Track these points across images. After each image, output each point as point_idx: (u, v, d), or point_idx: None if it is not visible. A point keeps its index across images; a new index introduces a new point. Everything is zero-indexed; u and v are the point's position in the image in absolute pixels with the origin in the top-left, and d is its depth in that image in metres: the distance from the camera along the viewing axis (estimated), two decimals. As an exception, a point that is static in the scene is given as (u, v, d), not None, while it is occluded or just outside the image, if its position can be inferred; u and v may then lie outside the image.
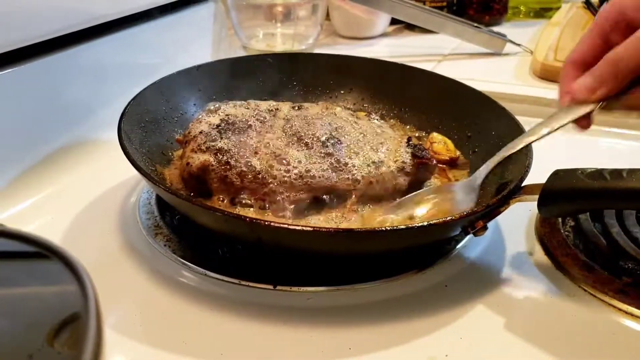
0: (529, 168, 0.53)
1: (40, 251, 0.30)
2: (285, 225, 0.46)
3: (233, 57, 0.79)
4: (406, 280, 0.52)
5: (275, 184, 0.54)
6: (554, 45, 1.04)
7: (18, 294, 0.30)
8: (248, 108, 0.64)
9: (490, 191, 0.56)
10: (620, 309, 0.48)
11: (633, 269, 0.51)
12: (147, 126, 0.63)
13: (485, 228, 0.50)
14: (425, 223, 0.46)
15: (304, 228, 0.46)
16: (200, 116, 0.62)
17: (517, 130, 0.61)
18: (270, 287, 0.50)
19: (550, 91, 0.92)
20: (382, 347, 0.45)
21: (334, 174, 0.55)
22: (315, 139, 0.58)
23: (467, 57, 1.13)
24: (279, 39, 1.17)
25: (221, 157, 0.56)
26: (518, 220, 0.61)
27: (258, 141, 0.58)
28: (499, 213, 0.50)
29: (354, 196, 0.56)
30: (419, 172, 0.59)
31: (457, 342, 0.45)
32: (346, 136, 0.60)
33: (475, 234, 0.51)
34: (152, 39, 0.88)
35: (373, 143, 0.60)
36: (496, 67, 1.08)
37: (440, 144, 0.68)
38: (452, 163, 0.67)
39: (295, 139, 0.59)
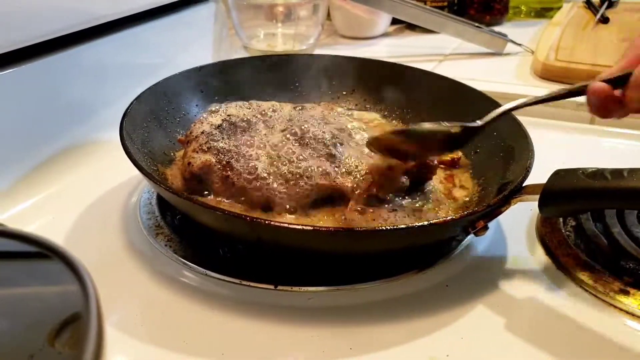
0: (530, 168, 0.53)
1: (41, 251, 0.30)
2: (285, 225, 0.46)
3: (235, 58, 0.79)
4: (407, 280, 0.52)
5: (276, 184, 0.54)
6: (555, 45, 1.04)
7: (19, 294, 0.30)
8: (250, 108, 0.64)
9: (492, 191, 0.56)
10: (621, 309, 0.48)
11: (634, 268, 0.51)
12: (149, 126, 0.63)
13: (486, 228, 0.50)
14: (426, 223, 0.46)
15: (304, 227, 0.46)
16: (202, 117, 0.62)
17: (518, 130, 0.60)
18: (271, 287, 0.50)
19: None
20: (383, 347, 0.45)
21: (335, 174, 0.55)
22: (316, 139, 0.58)
23: (468, 57, 1.13)
24: (279, 39, 1.17)
25: (222, 157, 0.56)
26: (519, 220, 0.60)
27: (259, 142, 0.58)
28: (500, 213, 0.50)
29: (354, 196, 0.55)
30: (420, 172, 0.59)
31: (458, 342, 0.45)
32: (348, 137, 0.60)
33: (476, 234, 0.51)
34: (152, 39, 0.88)
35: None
36: (497, 67, 1.07)
37: None
38: (453, 164, 0.67)
39: (297, 139, 0.59)
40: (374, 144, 0.57)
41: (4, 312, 0.28)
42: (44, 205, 0.63)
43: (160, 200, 0.61)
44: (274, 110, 0.64)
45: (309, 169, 0.55)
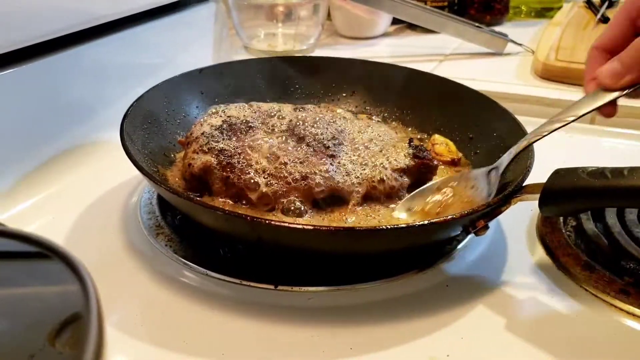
0: (530, 168, 0.53)
1: (41, 251, 0.30)
2: (286, 224, 0.46)
3: (235, 60, 0.79)
4: (407, 280, 0.52)
5: (277, 185, 0.54)
6: (556, 45, 1.04)
7: (19, 294, 0.30)
8: (250, 110, 0.64)
9: None
10: (621, 309, 0.48)
11: (634, 269, 0.51)
12: (150, 128, 0.63)
13: (486, 227, 0.50)
14: (426, 221, 0.46)
15: (304, 227, 0.46)
16: (202, 118, 0.62)
17: (518, 130, 0.61)
18: (272, 287, 0.50)
19: (552, 91, 0.92)
20: (383, 347, 0.45)
21: (335, 175, 0.55)
22: (316, 140, 0.58)
23: (469, 57, 1.13)
24: (280, 39, 1.17)
25: (222, 158, 0.56)
26: (519, 220, 0.60)
27: (260, 142, 0.58)
28: (500, 212, 0.50)
29: (355, 197, 0.56)
30: (421, 172, 0.59)
31: (458, 342, 0.45)
32: (347, 138, 0.60)
33: (476, 234, 0.51)
34: (153, 39, 0.88)
35: (374, 144, 0.60)
36: (497, 67, 1.07)
37: (442, 146, 0.68)
38: (454, 164, 0.67)
39: (297, 140, 0.59)
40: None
41: (4, 312, 0.28)
42: (44, 205, 0.63)
43: (161, 200, 0.61)
44: (274, 112, 0.64)
45: (309, 170, 0.55)
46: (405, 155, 0.59)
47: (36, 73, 0.67)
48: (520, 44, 1.12)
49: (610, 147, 0.79)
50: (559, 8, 1.37)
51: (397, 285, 0.51)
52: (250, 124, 0.61)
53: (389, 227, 0.47)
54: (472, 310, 0.49)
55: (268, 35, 1.18)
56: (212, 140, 0.57)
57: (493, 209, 0.49)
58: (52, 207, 0.63)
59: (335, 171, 0.56)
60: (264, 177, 0.55)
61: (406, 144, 0.61)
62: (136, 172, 0.52)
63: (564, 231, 0.57)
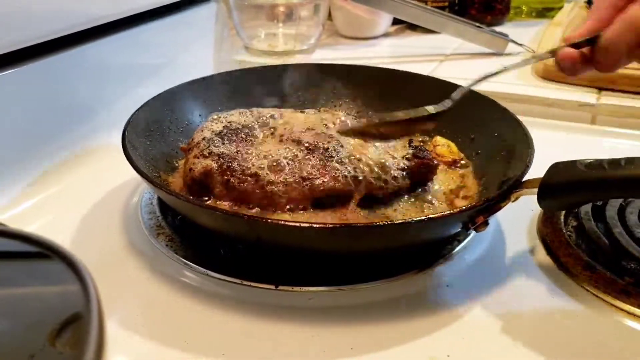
0: (530, 163, 0.52)
1: (42, 251, 0.30)
2: (283, 222, 0.46)
3: (238, 70, 0.80)
4: (408, 280, 0.52)
5: (277, 187, 0.54)
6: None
7: (20, 294, 0.30)
8: (251, 115, 0.64)
9: (493, 186, 0.56)
10: (622, 309, 0.48)
11: (635, 269, 0.51)
12: (152, 135, 0.63)
13: (486, 223, 0.50)
14: (424, 217, 0.46)
15: (302, 225, 0.46)
16: (204, 125, 0.63)
17: (519, 130, 0.60)
18: (272, 287, 0.50)
19: (553, 91, 0.92)
20: (384, 347, 0.45)
21: (335, 176, 0.55)
22: (316, 142, 0.58)
23: (469, 57, 1.13)
24: (280, 39, 1.17)
25: (223, 161, 0.56)
26: (520, 220, 0.60)
27: (260, 146, 0.59)
28: (500, 208, 0.50)
29: (355, 197, 0.55)
30: (421, 172, 0.59)
31: (459, 342, 0.45)
32: (347, 139, 0.60)
33: (476, 230, 0.51)
34: (154, 39, 0.88)
35: (374, 145, 0.60)
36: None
37: (444, 147, 0.68)
38: (455, 165, 0.67)
39: (297, 143, 0.59)
40: (347, 133, 0.58)
41: (5, 312, 0.28)
42: (44, 205, 0.63)
43: (161, 200, 0.62)
44: (274, 116, 0.64)
45: (310, 171, 0.55)
46: (405, 156, 0.59)
47: (37, 73, 0.67)
48: (521, 44, 1.12)
49: (610, 147, 0.79)
50: (560, 8, 1.37)
51: (397, 285, 0.51)
52: (250, 129, 0.61)
53: (386, 223, 0.47)
54: (472, 310, 0.49)
55: (269, 36, 1.18)
56: (213, 145, 0.58)
57: (492, 205, 0.49)
58: (53, 207, 0.63)
59: (336, 172, 0.55)
60: (264, 180, 0.55)
61: (406, 145, 0.61)
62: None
63: (564, 231, 0.57)
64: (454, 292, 0.51)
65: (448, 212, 0.47)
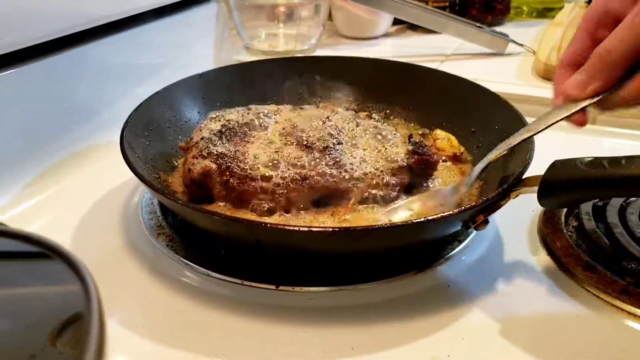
0: (530, 160, 0.52)
1: (42, 251, 0.30)
2: (283, 226, 0.46)
3: (236, 64, 0.80)
4: (409, 280, 0.52)
5: (277, 186, 0.54)
6: (557, 45, 1.04)
7: (20, 294, 0.30)
8: (249, 113, 0.64)
9: (493, 185, 0.56)
10: (623, 310, 0.48)
11: (636, 269, 0.51)
12: (151, 135, 0.63)
13: (486, 222, 0.50)
14: (423, 219, 0.46)
15: (301, 229, 0.46)
16: (202, 124, 0.63)
17: (520, 124, 0.60)
18: (273, 287, 0.50)
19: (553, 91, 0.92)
20: (385, 347, 0.45)
21: (335, 174, 0.55)
22: (315, 140, 0.58)
23: (470, 57, 1.13)
24: (281, 40, 1.17)
25: (222, 162, 0.56)
26: (521, 221, 0.60)
27: (259, 145, 0.59)
28: (500, 206, 0.50)
29: (355, 195, 0.55)
30: (420, 169, 0.59)
31: (460, 342, 0.45)
32: (347, 136, 0.60)
33: (476, 229, 0.51)
34: (154, 39, 0.88)
35: (374, 142, 0.60)
36: (499, 67, 1.07)
37: (444, 141, 0.68)
38: (456, 159, 0.66)
39: (296, 141, 0.59)
40: None
41: (6, 312, 0.28)
42: (45, 205, 0.63)
43: (162, 200, 0.62)
44: (273, 113, 0.64)
45: (309, 171, 0.55)
46: (405, 152, 0.59)
47: (37, 73, 0.67)
48: (521, 44, 1.12)
49: (610, 147, 0.79)
50: (561, 8, 1.37)
51: (398, 285, 0.51)
52: (249, 127, 0.61)
53: (385, 225, 0.47)
54: (473, 310, 0.49)
55: (269, 36, 1.18)
56: (212, 145, 0.57)
57: (492, 203, 0.49)
58: (54, 207, 0.63)
59: (335, 170, 0.55)
60: (263, 180, 0.55)
61: (406, 141, 0.61)
62: (137, 172, 0.52)
63: (565, 232, 0.57)
64: (454, 292, 0.51)
65: (448, 212, 0.46)
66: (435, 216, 0.46)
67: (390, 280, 0.51)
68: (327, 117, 0.63)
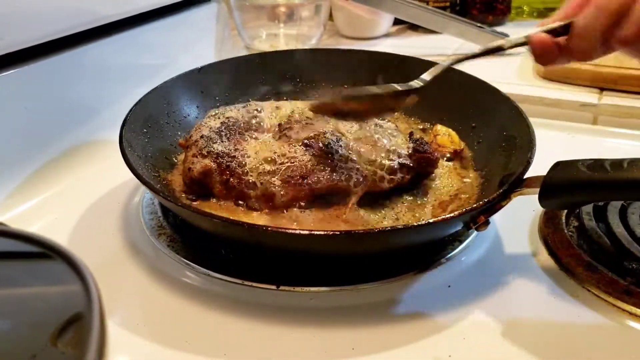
0: (531, 160, 0.52)
1: (43, 251, 0.30)
2: (283, 230, 0.46)
3: (234, 57, 0.79)
4: (409, 280, 0.52)
5: (277, 185, 0.54)
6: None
7: (21, 294, 0.30)
8: (249, 110, 0.64)
9: (495, 182, 0.56)
10: (624, 310, 0.48)
11: (637, 269, 0.51)
12: (150, 132, 0.63)
13: (487, 223, 0.50)
14: (423, 222, 0.46)
15: (301, 232, 0.46)
16: (201, 121, 0.63)
17: (520, 118, 0.60)
18: (273, 287, 0.50)
19: (554, 91, 0.92)
20: (385, 348, 0.45)
21: (335, 173, 0.55)
22: (315, 138, 0.58)
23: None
24: (282, 40, 1.17)
25: (222, 160, 0.56)
26: (521, 221, 0.60)
27: (258, 143, 0.59)
28: (501, 207, 0.50)
29: (356, 193, 0.55)
30: (421, 167, 0.59)
31: (461, 343, 0.45)
32: (347, 134, 0.60)
33: (477, 229, 0.51)
34: (155, 39, 0.88)
35: (374, 139, 0.60)
36: (499, 67, 1.07)
37: (445, 137, 0.67)
38: (456, 155, 0.66)
39: (296, 139, 0.59)
40: (318, 109, 0.59)
41: (7, 312, 0.28)
42: (46, 206, 0.63)
43: (163, 200, 0.61)
44: (272, 110, 0.64)
45: (309, 169, 0.55)
46: (405, 150, 0.59)
47: (38, 74, 0.67)
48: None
49: (612, 148, 0.79)
50: (561, 8, 1.37)
51: (399, 285, 0.51)
52: (249, 125, 0.61)
53: (386, 228, 0.47)
54: (474, 310, 0.49)
55: (270, 36, 1.18)
56: (211, 143, 0.57)
57: (493, 204, 0.49)
58: (54, 208, 0.63)
59: (335, 169, 0.55)
60: (263, 179, 0.55)
61: (407, 138, 0.61)
62: (138, 172, 0.52)
63: (566, 232, 0.57)
64: (455, 293, 0.51)
65: (449, 215, 0.46)
66: (435, 219, 0.46)
67: (391, 281, 0.51)
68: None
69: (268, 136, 0.60)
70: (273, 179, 0.55)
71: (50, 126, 0.69)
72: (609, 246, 0.53)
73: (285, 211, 0.55)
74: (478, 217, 0.49)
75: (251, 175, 0.55)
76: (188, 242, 0.56)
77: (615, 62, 0.92)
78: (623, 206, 0.58)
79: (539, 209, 0.53)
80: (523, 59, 1.09)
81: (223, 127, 0.60)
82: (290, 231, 0.46)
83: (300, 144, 0.58)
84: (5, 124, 0.63)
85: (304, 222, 0.54)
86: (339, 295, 0.50)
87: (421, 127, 0.73)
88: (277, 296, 0.50)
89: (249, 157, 0.57)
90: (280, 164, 0.56)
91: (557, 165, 0.48)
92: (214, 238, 0.54)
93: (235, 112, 0.63)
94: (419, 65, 0.76)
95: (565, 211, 0.59)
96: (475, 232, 0.56)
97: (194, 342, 0.45)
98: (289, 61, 0.79)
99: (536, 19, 1.41)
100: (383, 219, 0.56)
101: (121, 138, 0.56)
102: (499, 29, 1.19)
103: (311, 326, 0.47)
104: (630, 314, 0.48)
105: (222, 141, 0.58)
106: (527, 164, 0.51)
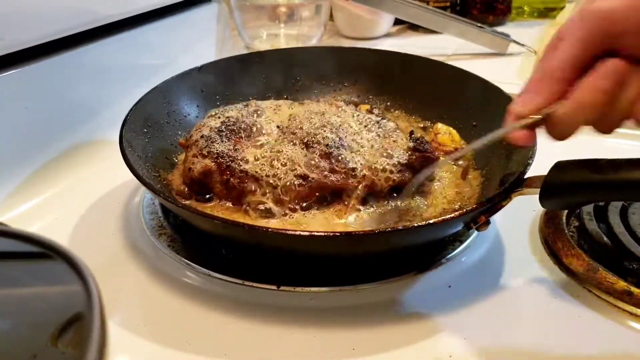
0: (531, 161, 0.52)
1: (44, 251, 0.30)
2: (283, 231, 0.46)
3: (235, 56, 0.79)
4: (410, 280, 0.52)
5: (278, 185, 0.54)
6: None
7: (22, 294, 0.30)
8: (249, 110, 0.64)
9: (496, 181, 0.56)
10: (624, 310, 0.48)
11: (638, 269, 0.51)
12: (150, 131, 0.63)
13: (487, 223, 0.50)
14: (423, 223, 0.46)
15: (301, 233, 0.46)
16: (202, 121, 0.62)
17: None
18: (274, 287, 0.50)
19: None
20: (386, 348, 0.45)
21: (336, 172, 0.55)
22: (316, 138, 0.58)
23: (471, 57, 1.13)
24: (282, 40, 1.18)
25: (222, 161, 0.56)
26: (522, 221, 0.60)
27: (259, 143, 0.58)
28: (502, 207, 0.50)
29: (357, 193, 0.55)
30: (422, 166, 0.59)
31: (461, 343, 0.45)
32: (348, 134, 0.60)
33: (478, 229, 0.51)
34: (155, 39, 0.88)
35: (375, 139, 0.60)
36: (500, 67, 1.07)
37: (445, 135, 0.67)
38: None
39: (297, 139, 0.59)
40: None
41: (7, 312, 0.28)
42: (46, 206, 0.63)
43: (163, 200, 0.61)
44: (273, 110, 0.64)
45: (309, 169, 0.55)
46: (406, 149, 0.59)
47: (38, 74, 0.67)
48: (522, 45, 1.12)
49: (612, 148, 0.79)
50: (562, 8, 1.37)
51: (399, 285, 0.51)
52: (249, 125, 0.61)
53: (388, 229, 0.47)
54: (474, 310, 0.49)
55: (270, 36, 1.18)
56: (212, 143, 0.57)
57: (493, 205, 0.49)
58: (55, 208, 0.63)
59: (336, 169, 0.55)
60: (264, 179, 0.55)
61: (407, 137, 0.61)
62: (138, 172, 0.52)
63: (566, 232, 0.57)
64: (455, 293, 0.51)
65: (450, 215, 0.46)
66: (436, 219, 0.46)
67: (392, 281, 0.51)
68: (327, 113, 0.62)
69: (269, 136, 0.60)
70: (274, 179, 0.55)
71: (50, 126, 0.69)
72: (609, 246, 0.53)
73: (285, 211, 0.55)
74: (479, 217, 0.49)
75: (251, 176, 0.55)
76: (188, 242, 0.56)
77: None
78: (624, 206, 0.58)
79: (539, 209, 0.53)
80: (523, 59, 1.10)
81: (223, 127, 0.60)
82: (290, 232, 0.46)
83: (301, 144, 0.58)
84: (5, 124, 0.63)
85: (305, 222, 0.54)
86: (340, 295, 0.50)
87: (422, 125, 0.73)
88: (278, 296, 0.50)
89: (249, 157, 0.57)
90: (281, 164, 0.56)
91: (558, 166, 0.48)
92: (214, 238, 0.54)
93: (235, 111, 0.63)
94: (422, 64, 0.77)
95: (566, 211, 0.59)
96: (475, 232, 0.56)
97: (195, 342, 0.45)
98: (290, 60, 0.79)
99: (536, 19, 1.41)
100: (383, 218, 0.55)
101: (121, 138, 0.56)
102: (499, 29, 1.19)
103: (312, 326, 0.47)
104: (631, 314, 0.48)
105: (223, 141, 0.58)
106: (528, 163, 0.51)
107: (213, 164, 0.56)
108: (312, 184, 0.54)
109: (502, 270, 0.54)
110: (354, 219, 0.55)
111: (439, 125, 0.69)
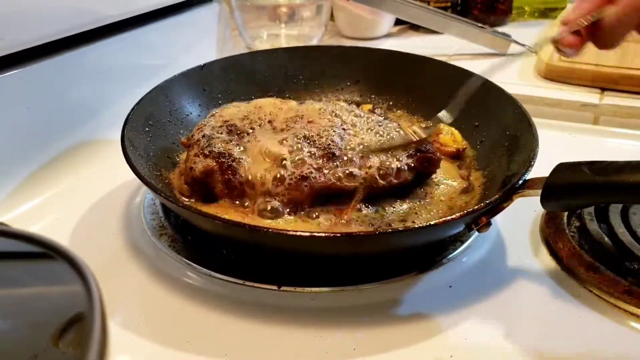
0: (533, 160, 0.52)
1: (45, 251, 0.30)
2: (284, 232, 0.46)
3: (237, 55, 0.79)
4: (411, 280, 0.52)
5: (279, 185, 0.54)
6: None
7: (23, 294, 0.30)
8: (251, 109, 0.64)
9: (497, 182, 0.56)
10: (625, 310, 0.48)
11: (639, 269, 0.51)
12: (152, 130, 0.63)
13: (489, 224, 0.50)
14: (424, 224, 0.46)
15: (302, 234, 0.46)
16: (203, 120, 0.62)
17: (523, 118, 0.60)
18: (275, 287, 0.50)
19: (555, 91, 0.92)
20: (387, 348, 0.45)
21: (337, 173, 0.55)
22: (318, 137, 0.58)
23: (472, 57, 1.13)
24: (283, 40, 1.17)
25: (223, 161, 0.56)
26: (523, 221, 0.60)
27: (261, 143, 0.58)
28: (503, 208, 0.50)
29: (358, 194, 0.55)
30: (423, 167, 0.59)
31: (462, 343, 0.45)
32: (349, 134, 0.60)
33: (479, 230, 0.51)
34: (156, 40, 0.88)
35: (376, 139, 0.60)
36: (501, 67, 1.07)
37: (447, 135, 0.67)
38: (458, 154, 0.66)
39: (298, 138, 0.58)
40: None
41: (8, 312, 0.28)
42: (47, 206, 0.63)
43: (164, 200, 0.61)
44: (275, 109, 0.64)
45: (311, 169, 0.55)
46: (407, 150, 0.59)
47: (40, 74, 0.67)
48: (523, 45, 1.12)
49: (613, 148, 0.79)
50: (563, 8, 1.37)
51: (400, 285, 0.51)
52: (251, 124, 0.61)
53: (389, 230, 0.47)
54: (475, 311, 0.49)
55: (271, 36, 1.18)
56: (213, 143, 0.57)
57: (495, 206, 0.49)
58: (56, 208, 0.63)
59: (337, 169, 0.55)
60: (265, 179, 0.55)
61: (409, 137, 0.61)
62: (139, 172, 0.52)
63: (567, 232, 0.57)
64: (456, 293, 0.51)
65: (450, 217, 0.46)
66: (437, 221, 0.46)
67: (393, 281, 0.51)
68: (329, 113, 0.62)
69: (270, 135, 0.60)
70: (276, 179, 0.54)
71: (51, 126, 0.69)
72: (610, 247, 0.53)
73: (286, 211, 0.55)
74: (480, 218, 0.49)
75: (253, 176, 0.55)
76: (189, 242, 0.56)
77: (616, 62, 0.92)
78: (625, 207, 0.58)
79: (540, 210, 0.53)
80: (524, 59, 1.09)
81: (225, 127, 0.60)
82: (291, 233, 0.46)
83: (302, 144, 0.58)
84: (6, 124, 0.63)
85: (305, 222, 0.54)
86: (340, 295, 0.50)
87: (424, 125, 0.73)
88: (279, 296, 0.50)
89: (250, 157, 0.56)
90: (282, 163, 0.56)
91: (560, 167, 0.48)
92: (215, 238, 0.54)
93: (237, 110, 0.63)
94: (423, 63, 0.77)
95: (567, 211, 0.59)
96: (476, 233, 0.56)
97: (195, 342, 0.45)
98: (292, 59, 0.79)
99: (537, 19, 1.41)
100: (385, 219, 0.55)
101: (123, 137, 0.56)
102: (500, 29, 1.19)
103: (312, 326, 0.47)
104: (632, 314, 0.48)
105: (224, 141, 0.58)
106: (530, 165, 0.51)
107: (214, 163, 0.56)
108: (313, 184, 0.54)
109: (503, 271, 0.54)
110: (356, 220, 0.55)
111: (441, 126, 0.69)
